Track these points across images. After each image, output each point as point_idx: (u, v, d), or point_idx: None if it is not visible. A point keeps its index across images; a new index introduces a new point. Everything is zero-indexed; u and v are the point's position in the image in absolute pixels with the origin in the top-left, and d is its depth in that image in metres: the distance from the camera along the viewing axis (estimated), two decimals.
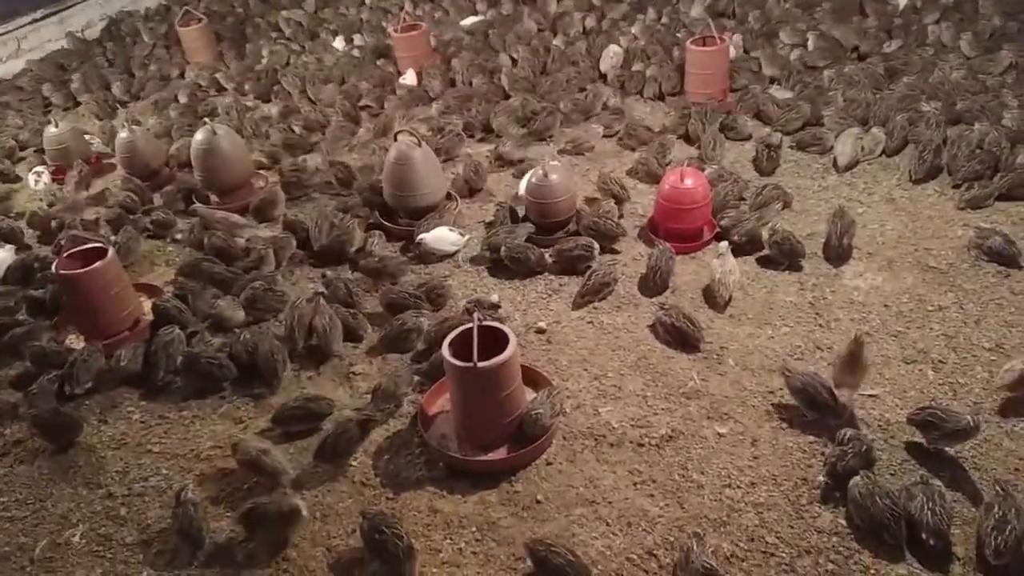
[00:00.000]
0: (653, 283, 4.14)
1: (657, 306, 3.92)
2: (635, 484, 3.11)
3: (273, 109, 6.65)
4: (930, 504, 2.70)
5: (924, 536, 2.66)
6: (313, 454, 3.29)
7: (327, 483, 3.21)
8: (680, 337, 3.75)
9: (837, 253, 4.21)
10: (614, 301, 4.12)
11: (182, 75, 7.64)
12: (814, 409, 3.25)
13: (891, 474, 3.01)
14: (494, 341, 3.16)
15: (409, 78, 6.70)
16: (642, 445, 3.28)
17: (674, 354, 3.73)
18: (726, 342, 3.76)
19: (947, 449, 3.04)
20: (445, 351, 3.14)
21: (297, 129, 6.15)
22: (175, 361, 3.71)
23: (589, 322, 3.99)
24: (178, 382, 3.76)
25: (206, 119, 5.40)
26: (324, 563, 2.89)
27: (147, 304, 4.22)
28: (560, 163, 5.07)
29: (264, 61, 7.60)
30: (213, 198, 5.25)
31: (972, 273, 4.03)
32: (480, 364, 3.05)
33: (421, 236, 4.47)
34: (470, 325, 3.14)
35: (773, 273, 4.20)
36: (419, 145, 4.70)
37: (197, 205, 5.06)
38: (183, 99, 6.97)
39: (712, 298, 4.02)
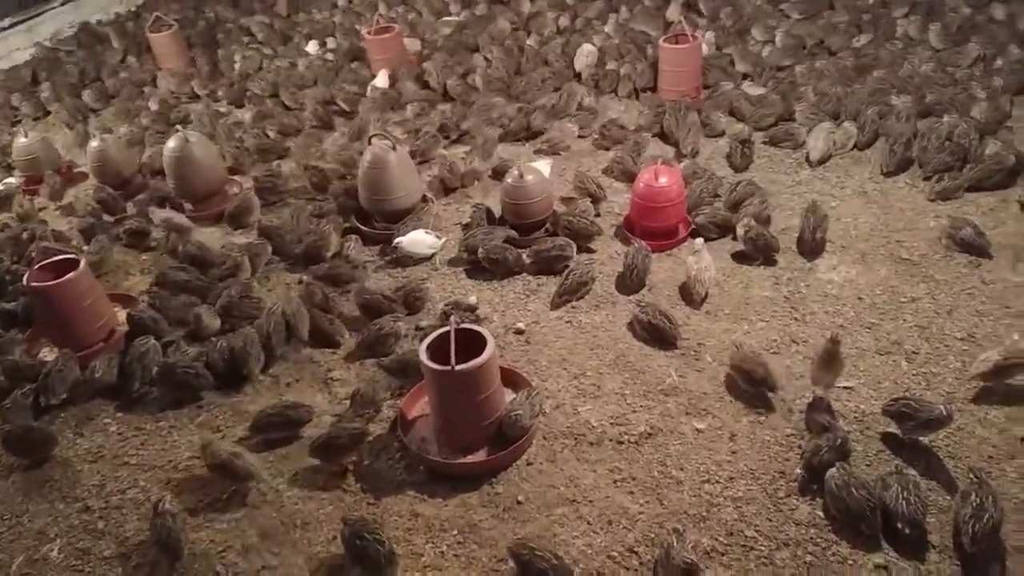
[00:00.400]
0: (630, 281, 4.16)
1: (634, 304, 3.94)
2: (615, 482, 3.12)
3: (246, 114, 6.61)
4: (905, 494, 2.74)
5: (900, 525, 2.70)
6: (309, 451, 3.28)
7: (307, 490, 3.19)
8: (657, 334, 3.76)
9: (811, 247, 4.25)
10: (592, 300, 4.13)
11: (154, 82, 7.56)
12: (751, 384, 3.37)
13: (867, 465, 3.05)
14: (472, 343, 3.16)
15: (381, 81, 6.68)
16: (621, 443, 3.29)
17: (652, 352, 3.75)
18: (703, 338, 3.78)
19: (921, 439, 3.08)
20: (423, 354, 3.14)
21: (271, 134, 6.11)
22: (151, 372, 3.68)
23: (567, 322, 4.00)
24: (154, 393, 3.72)
25: (178, 127, 5.35)
26: (305, 571, 2.87)
27: (122, 314, 4.17)
28: (549, 162, 5.11)
29: (236, 66, 7.53)
30: (187, 206, 5.20)
31: (944, 264, 4.09)
32: (458, 367, 3.05)
33: (398, 240, 4.46)
34: (447, 328, 3.14)
35: (748, 268, 4.23)
36: (393, 148, 4.69)
37: (149, 208, 5.04)
38: (154, 106, 6.90)
39: (688, 295, 4.04)
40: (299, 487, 3.21)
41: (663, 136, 5.62)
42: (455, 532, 2.98)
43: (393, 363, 3.65)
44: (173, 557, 2.89)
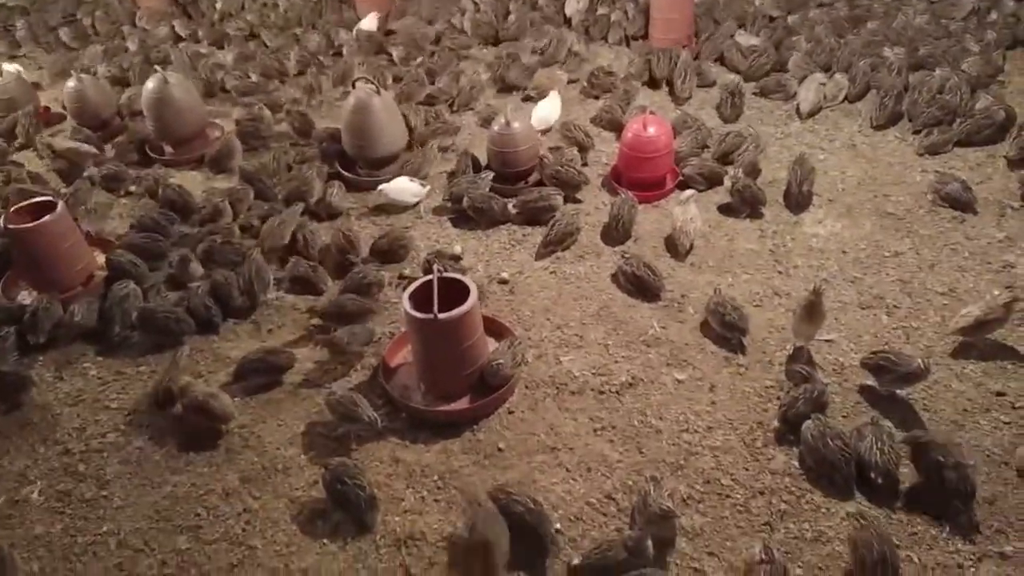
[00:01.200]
0: (616, 232, 4.14)
1: (619, 255, 3.93)
2: (595, 431, 3.15)
3: (228, 56, 6.45)
4: (879, 444, 2.78)
5: (872, 475, 2.74)
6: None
7: (289, 435, 3.20)
8: (641, 286, 3.76)
9: (797, 200, 4.24)
10: (577, 251, 4.12)
11: (133, 22, 7.35)
12: (724, 328, 3.44)
13: (843, 416, 3.08)
14: (455, 292, 3.14)
15: (368, 23, 6.52)
16: (603, 393, 3.31)
17: (635, 303, 3.75)
18: (687, 290, 3.78)
19: (898, 392, 3.11)
20: (406, 303, 3.12)
21: (254, 76, 5.97)
22: (131, 316, 3.65)
23: (552, 272, 3.99)
24: (135, 337, 3.70)
25: (157, 67, 5.21)
26: (287, 515, 2.90)
27: (101, 259, 4.12)
28: (559, 98, 5.11)
29: (218, 6, 7.33)
30: (168, 148, 5.10)
31: (929, 219, 4.09)
32: (441, 316, 3.04)
33: (382, 187, 4.41)
34: (430, 277, 3.12)
35: (734, 221, 4.22)
36: (378, 93, 4.60)
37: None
38: (133, 46, 6.72)
39: (674, 247, 4.03)
40: (281, 432, 3.22)
41: (653, 84, 5.54)
42: (436, 478, 3.01)
43: (330, 308, 3.63)
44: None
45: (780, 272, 3.86)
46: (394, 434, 3.19)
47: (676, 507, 2.74)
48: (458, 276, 3.25)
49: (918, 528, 2.67)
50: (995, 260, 3.76)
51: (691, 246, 4.00)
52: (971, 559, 2.57)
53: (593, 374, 3.40)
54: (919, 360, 2.99)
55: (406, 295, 3.16)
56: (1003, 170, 4.35)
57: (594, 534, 2.76)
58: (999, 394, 3.10)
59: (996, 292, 3.54)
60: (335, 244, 4.04)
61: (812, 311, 3.26)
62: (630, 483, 2.92)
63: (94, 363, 3.63)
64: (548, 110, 5.05)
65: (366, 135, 4.62)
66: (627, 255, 3.86)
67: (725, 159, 4.58)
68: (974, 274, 3.69)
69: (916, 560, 2.58)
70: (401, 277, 3.98)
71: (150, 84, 4.93)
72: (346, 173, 4.73)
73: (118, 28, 7.18)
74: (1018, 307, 3.32)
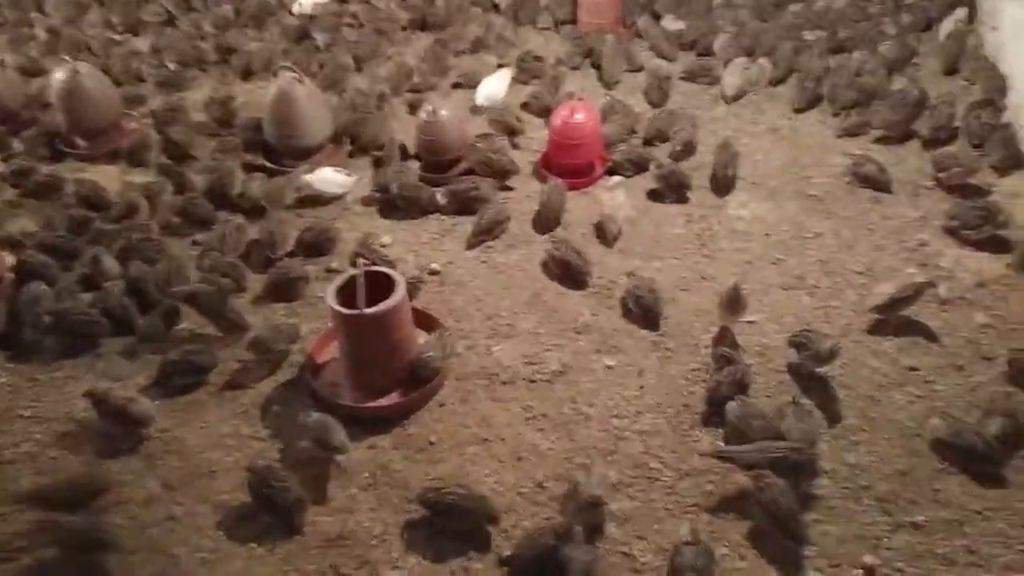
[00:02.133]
0: (545, 220, 4.14)
1: (549, 243, 3.94)
2: (527, 420, 3.16)
3: (143, 43, 6.19)
4: (799, 423, 2.86)
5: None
6: None
7: (213, 438, 3.12)
8: (570, 272, 3.78)
9: (722, 184, 4.31)
10: (507, 239, 4.11)
11: (41, 8, 6.99)
12: (640, 308, 3.52)
13: (767, 396, 3.16)
14: (383, 286, 3.11)
15: (306, 5, 6.34)
16: (534, 381, 3.32)
17: (566, 291, 3.77)
18: (616, 276, 3.81)
19: (817, 370, 3.20)
20: (331, 299, 3.07)
21: (171, 65, 5.75)
22: (43, 319, 3.49)
23: (483, 261, 3.97)
24: (48, 341, 3.55)
25: (66, 56, 4.98)
26: (212, 520, 2.82)
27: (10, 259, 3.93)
28: (508, 74, 5.15)
29: None
30: (80, 142, 4.89)
31: (848, 200, 4.20)
32: (367, 311, 2.99)
33: (306, 178, 4.31)
34: (356, 272, 3.07)
35: (661, 206, 4.26)
36: (301, 82, 4.49)
37: None
38: (42, 34, 6.39)
39: (602, 233, 4.05)
40: (205, 435, 3.14)
41: (583, 70, 5.55)
42: (366, 475, 2.98)
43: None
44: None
45: (706, 256, 3.92)
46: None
47: (606, 493, 2.77)
48: (385, 269, 3.21)
49: (835, 503, 2.76)
50: (910, 238, 3.89)
51: (619, 232, 4.03)
52: (886, 530, 2.67)
53: (524, 363, 3.40)
54: (830, 342, 3.09)
55: (331, 290, 3.11)
56: (917, 151, 4.50)
57: (526, 524, 2.77)
58: (912, 369, 3.22)
59: (910, 270, 3.66)
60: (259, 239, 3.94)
61: (732, 301, 3.33)
62: (561, 471, 2.94)
63: (4, 369, 3.47)
64: (496, 87, 5.01)
65: (289, 125, 4.50)
66: (556, 242, 3.86)
67: (658, 138, 4.63)
68: (890, 253, 3.81)
69: (834, 532, 2.67)
70: (328, 271, 3.90)
71: (60, 74, 4.71)
72: (269, 164, 4.60)
73: (26, 15, 6.82)
74: (930, 285, 3.44)
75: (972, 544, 2.60)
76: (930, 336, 3.35)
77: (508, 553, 2.66)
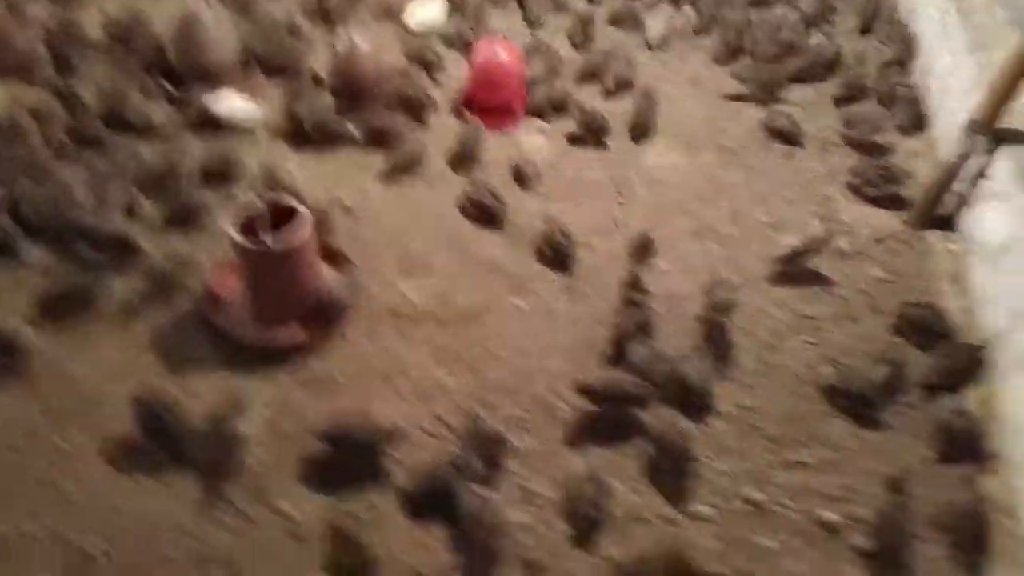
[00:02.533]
0: (463, 159, 4.07)
1: (466, 182, 3.88)
2: (434, 359, 3.14)
3: None
4: (698, 366, 2.93)
5: (692, 395, 2.90)
6: None
7: (103, 369, 2.99)
8: (487, 214, 3.74)
9: (641, 132, 4.31)
10: (423, 177, 4.02)
11: None
12: (553, 250, 3.54)
13: (672, 341, 3.22)
14: (289, 219, 3.00)
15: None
16: (444, 321, 3.30)
17: (481, 231, 3.73)
18: (531, 219, 3.79)
19: (720, 317, 3.27)
20: (232, 231, 2.95)
21: None
22: None
23: (396, 197, 3.89)
24: None
25: None
26: (101, 453, 2.72)
27: None
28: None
29: None
30: None
31: (762, 154, 4.27)
32: (271, 244, 2.90)
33: (209, 103, 4.09)
34: (261, 203, 2.95)
35: (580, 150, 4.24)
36: (208, 3, 4.24)
37: None
38: None
39: (520, 175, 4.01)
40: (94, 365, 3.00)
41: (507, 7, 5.42)
42: (267, 410, 2.92)
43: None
44: None
45: (622, 203, 3.94)
46: (221, 366, 3.05)
47: (507, 430, 2.80)
48: (292, 202, 3.10)
49: (729, 442, 2.86)
50: (816, 193, 3.99)
51: (538, 175, 4.00)
52: (774, 468, 2.79)
53: (435, 302, 3.37)
54: (725, 292, 3.22)
55: (234, 222, 2.99)
56: (829, 107, 4.60)
57: (426, 457, 2.77)
58: (809, 318, 3.33)
59: (815, 223, 3.77)
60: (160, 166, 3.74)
61: (643, 248, 3.37)
62: (464, 408, 2.95)
63: None
64: (431, 12, 4.86)
65: (194, 47, 4.26)
66: (474, 182, 3.81)
67: (591, 78, 4.59)
68: (797, 206, 3.91)
69: (725, 469, 2.77)
70: (230, 201, 3.74)
71: None
72: (170, 87, 4.34)
73: None
74: (832, 238, 3.56)
75: (852, 483, 2.75)
76: (827, 286, 3.47)
77: (407, 487, 2.66)
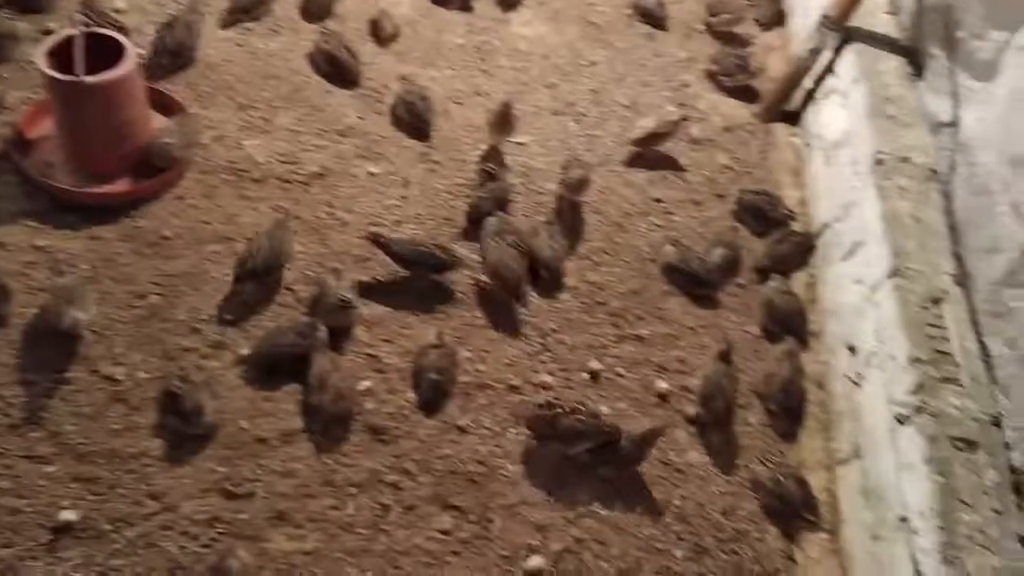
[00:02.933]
0: (315, 7, 3.74)
1: (318, 33, 3.58)
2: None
3: None
4: (549, 242, 2.96)
5: (540, 269, 2.93)
6: None
7: None
8: (339, 69, 3.49)
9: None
10: (269, 23, 3.67)
11: None
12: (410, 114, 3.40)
13: (524, 215, 3.21)
14: (110, 53, 2.65)
15: None
16: (288, 182, 3.11)
17: (332, 88, 3.49)
18: (387, 80, 3.58)
19: (574, 198, 3.29)
20: (43, 62, 2.58)
21: None
22: None
23: (238, 44, 3.54)
24: None
25: None
26: None
27: None
28: None
29: None
30: None
31: (625, 32, 4.22)
32: (87, 79, 2.55)
33: None
34: (74, 31, 2.58)
35: (443, 12, 4.01)
36: None
37: None
38: None
39: (378, 31, 3.76)
40: None
41: None
42: (86, 267, 2.67)
43: None
44: None
45: (484, 71, 3.80)
46: (33, 217, 2.74)
47: (355, 298, 2.72)
48: (113, 33, 2.73)
49: (574, 315, 2.95)
50: (674, 78, 4.02)
51: (396, 33, 3.76)
52: (613, 340, 2.90)
53: (279, 161, 3.16)
54: (582, 170, 3.22)
55: (43, 51, 2.61)
56: None
57: (268, 324, 2.66)
58: (657, 200, 3.42)
59: (670, 108, 3.82)
60: None
61: (502, 120, 3.29)
62: (311, 274, 2.83)
63: None
64: None
65: None
66: (325, 33, 3.52)
67: None
68: (655, 89, 3.93)
69: (569, 341, 2.86)
70: (45, 33, 3.26)
71: None
72: None
73: None
74: (685, 124, 3.62)
75: (683, 355, 2.92)
76: (678, 170, 3.56)
77: (247, 351, 2.55)
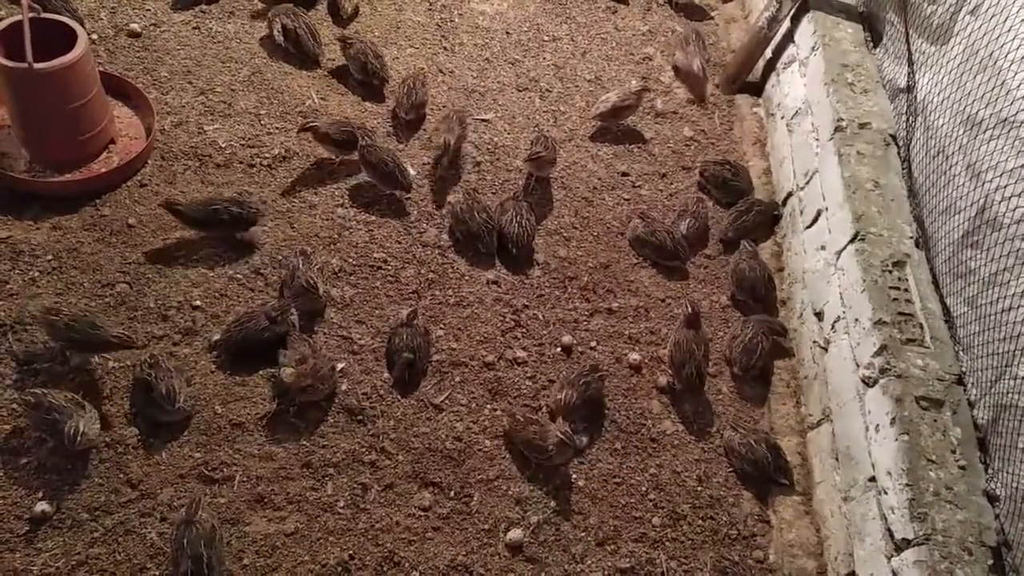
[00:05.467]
0: None
1: (276, 13, 3.52)
2: None
3: None
4: (518, 218, 2.96)
5: (510, 246, 2.94)
6: None
7: None
8: (300, 49, 3.44)
9: None
10: (226, 5, 3.60)
11: None
12: (364, 75, 3.41)
13: (493, 193, 3.22)
14: (62, 39, 2.59)
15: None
16: (252, 166, 3.07)
17: (292, 70, 3.44)
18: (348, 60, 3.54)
19: (539, 172, 3.29)
20: None
21: None
22: None
23: (195, 28, 3.47)
24: None
25: None
26: None
27: None
28: None
29: None
30: None
31: (586, 6, 4.21)
32: (37, 65, 2.49)
33: None
34: (19, 17, 2.51)
35: None
36: None
37: None
38: None
39: (337, 9, 3.71)
40: None
41: None
42: (50, 258, 2.62)
43: None
44: None
45: (445, 48, 3.77)
46: None
47: (326, 280, 2.71)
48: (64, 19, 2.67)
49: (545, 291, 2.96)
50: (637, 52, 4.03)
51: (355, 11, 3.72)
52: (585, 314, 2.93)
53: (242, 145, 3.12)
54: (546, 137, 3.22)
55: None
56: None
57: (239, 309, 2.64)
58: (623, 174, 3.44)
59: (633, 81, 3.82)
60: None
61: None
62: (279, 258, 2.81)
63: None
64: None
65: None
66: (286, 13, 3.46)
67: None
68: (618, 63, 3.94)
69: (541, 316, 2.88)
70: None
71: None
72: None
73: None
74: (648, 96, 3.64)
75: (654, 327, 2.96)
76: (643, 143, 3.58)
77: (218, 337, 2.53)
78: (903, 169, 2.84)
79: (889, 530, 2.16)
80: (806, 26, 3.44)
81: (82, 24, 2.85)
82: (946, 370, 2.36)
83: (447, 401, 2.61)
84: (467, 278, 2.93)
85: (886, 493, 2.21)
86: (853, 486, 2.38)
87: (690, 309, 2.78)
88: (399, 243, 2.98)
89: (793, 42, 3.55)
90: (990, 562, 2.06)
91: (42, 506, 2.16)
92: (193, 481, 2.30)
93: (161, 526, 2.21)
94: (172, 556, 2.08)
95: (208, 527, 2.09)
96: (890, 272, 2.55)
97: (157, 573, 2.14)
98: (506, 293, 2.92)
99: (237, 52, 3.43)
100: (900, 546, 2.11)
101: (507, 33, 3.93)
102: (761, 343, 2.79)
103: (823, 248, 2.86)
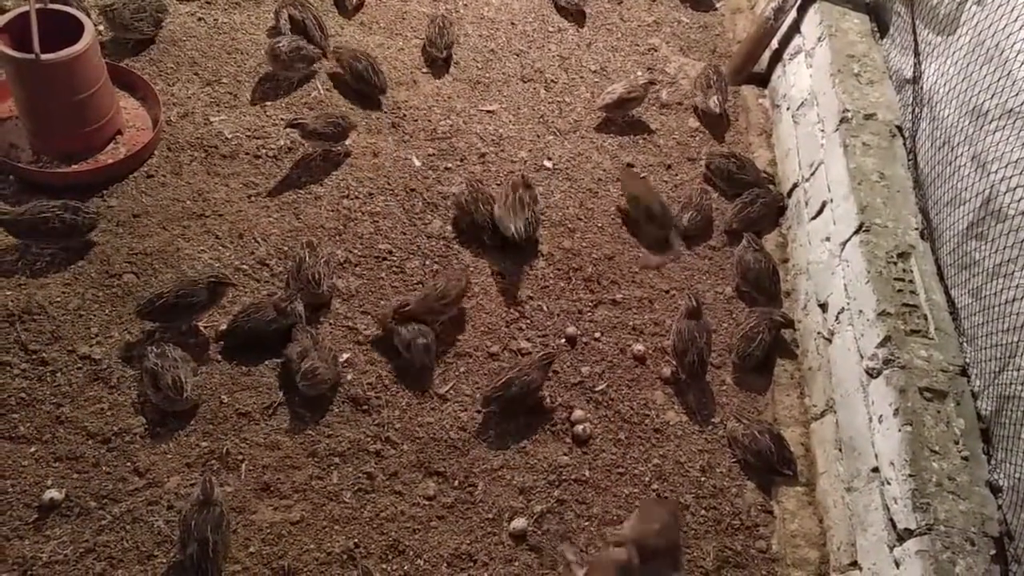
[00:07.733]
0: None
1: (282, 5, 3.52)
2: (249, 196, 2.96)
3: None
4: (524, 210, 2.96)
5: (514, 236, 2.94)
6: None
7: None
8: (306, 40, 3.44)
9: None
10: None
11: None
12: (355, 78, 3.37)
13: (497, 184, 3.21)
14: (68, 30, 2.60)
15: None
16: (259, 157, 3.08)
17: None
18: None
19: (546, 163, 3.30)
20: None
21: None
22: None
23: (200, 18, 3.48)
24: None
25: None
26: None
27: None
28: None
29: None
30: None
31: None
32: (44, 56, 2.50)
33: None
34: (26, 8, 2.52)
35: None
36: None
37: None
38: None
39: (343, 2, 3.71)
40: None
41: None
42: (57, 248, 2.63)
43: None
44: None
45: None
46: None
47: (332, 272, 2.73)
48: (69, 9, 2.68)
49: (550, 282, 2.97)
50: (642, 43, 4.02)
51: (361, 2, 3.72)
52: (589, 305, 2.94)
53: (248, 137, 3.13)
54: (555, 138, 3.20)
55: None
56: None
57: (246, 300, 2.66)
58: (629, 165, 3.44)
59: (639, 73, 3.82)
60: None
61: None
62: (285, 249, 2.83)
63: None
64: None
65: None
66: (291, 4, 3.46)
67: None
68: (623, 54, 3.93)
69: (545, 307, 2.89)
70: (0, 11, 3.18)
71: None
72: None
73: None
74: (654, 88, 3.64)
75: (658, 318, 2.96)
76: (648, 134, 3.57)
77: (224, 327, 2.55)
78: (909, 160, 2.84)
79: (892, 520, 2.17)
80: (812, 16, 3.43)
81: (88, 15, 2.86)
82: (950, 361, 2.36)
83: (452, 391, 2.63)
84: (472, 268, 2.94)
85: (889, 484, 2.22)
86: (856, 477, 2.39)
87: (693, 301, 2.78)
88: (404, 234, 2.99)
89: (799, 32, 3.54)
90: (992, 552, 2.06)
91: (51, 494, 2.18)
92: (200, 470, 2.32)
93: (168, 514, 2.23)
94: (179, 538, 2.10)
95: (217, 512, 2.11)
96: (895, 263, 2.55)
97: (164, 560, 2.17)
98: (511, 284, 2.93)
99: (242, 43, 3.44)
100: (903, 536, 2.12)
101: (512, 23, 3.92)
102: (761, 333, 2.79)
103: (828, 239, 2.86)
